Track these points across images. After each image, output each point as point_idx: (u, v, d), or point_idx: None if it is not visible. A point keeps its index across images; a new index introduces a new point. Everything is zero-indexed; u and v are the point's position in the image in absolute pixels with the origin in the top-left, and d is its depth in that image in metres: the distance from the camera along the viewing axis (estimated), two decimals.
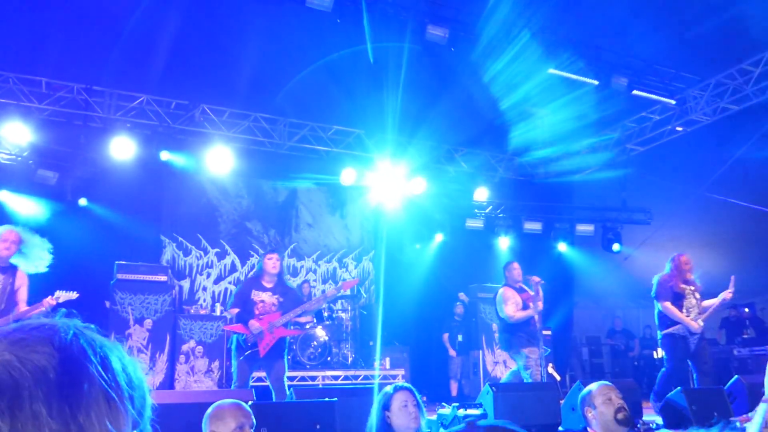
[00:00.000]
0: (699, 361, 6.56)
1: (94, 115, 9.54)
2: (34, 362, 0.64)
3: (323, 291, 9.62)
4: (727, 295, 6.57)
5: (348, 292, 9.44)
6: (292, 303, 5.92)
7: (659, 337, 6.74)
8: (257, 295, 5.83)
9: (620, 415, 3.33)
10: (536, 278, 7.02)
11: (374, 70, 10.12)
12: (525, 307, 7.02)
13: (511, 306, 6.99)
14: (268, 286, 5.92)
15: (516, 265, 7.30)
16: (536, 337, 6.97)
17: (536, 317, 6.97)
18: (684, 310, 6.51)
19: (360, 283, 11.68)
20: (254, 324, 5.66)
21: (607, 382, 3.59)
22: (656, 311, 6.74)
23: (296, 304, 5.95)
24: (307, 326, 9.14)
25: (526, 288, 7.19)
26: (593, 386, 3.51)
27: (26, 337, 0.67)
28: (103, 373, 0.68)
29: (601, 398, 3.40)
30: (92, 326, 0.73)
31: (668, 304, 6.53)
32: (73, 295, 5.44)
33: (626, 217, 11.74)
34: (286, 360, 5.93)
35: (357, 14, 7.60)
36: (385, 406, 3.52)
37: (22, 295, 5.36)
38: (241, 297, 5.87)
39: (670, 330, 6.53)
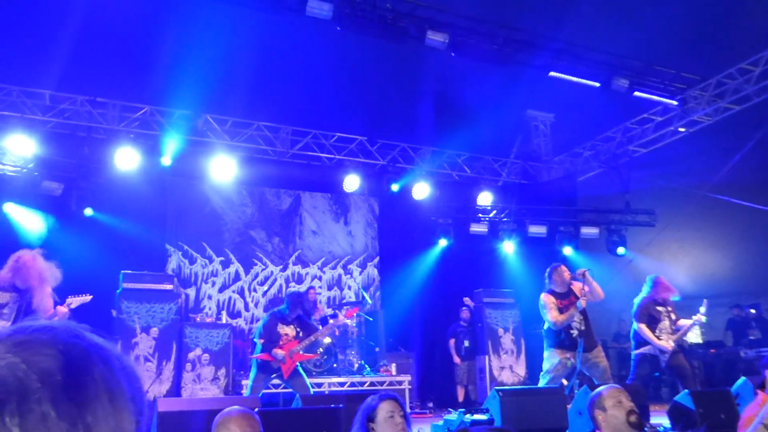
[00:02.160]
0: (677, 372, 7.14)
1: (98, 127, 9.60)
2: (40, 364, 0.64)
3: (334, 317, 9.69)
4: (700, 318, 7.15)
5: (352, 321, 9.81)
6: (306, 332, 6.92)
7: (632, 354, 7.34)
8: (282, 329, 6.78)
9: (632, 418, 3.30)
10: (581, 270, 6.87)
11: (375, 77, 10.17)
12: (559, 312, 6.85)
13: (553, 311, 6.86)
14: (290, 319, 6.88)
15: (561, 268, 7.05)
16: (570, 346, 6.77)
17: (577, 324, 6.77)
18: (657, 331, 7.06)
19: (365, 289, 11.69)
20: (278, 352, 6.61)
21: (616, 385, 3.56)
22: (632, 328, 7.33)
23: (310, 332, 6.96)
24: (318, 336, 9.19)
25: (573, 290, 6.99)
26: (603, 389, 3.48)
27: (29, 339, 0.67)
28: (106, 373, 0.69)
29: (611, 401, 3.36)
30: (87, 326, 0.74)
31: (644, 326, 7.08)
32: (87, 298, 5.40)
33: (630, 220, 11.71)
34: (302, 371, 6.88)
35: (357, 22, 7.63)
36: (369, 417, 3.25)
37: (43, 304, 5.30)
38: (268, 329, 6.76)
39: (642, 350, 7.17)
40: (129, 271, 8.49)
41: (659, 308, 7.16)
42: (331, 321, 9.35)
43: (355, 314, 8.62)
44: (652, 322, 7.10)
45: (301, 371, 6.87)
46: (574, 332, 6.77)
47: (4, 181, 8.76)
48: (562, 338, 6.83)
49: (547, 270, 7.06)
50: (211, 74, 9.58)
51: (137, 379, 0.74)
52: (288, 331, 6.79)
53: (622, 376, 11.95)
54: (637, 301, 7.30)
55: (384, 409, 3.25)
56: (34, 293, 5.24)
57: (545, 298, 6.96)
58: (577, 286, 6.93)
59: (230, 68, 9.35)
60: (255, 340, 6.96)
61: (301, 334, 6.85)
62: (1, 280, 5.12)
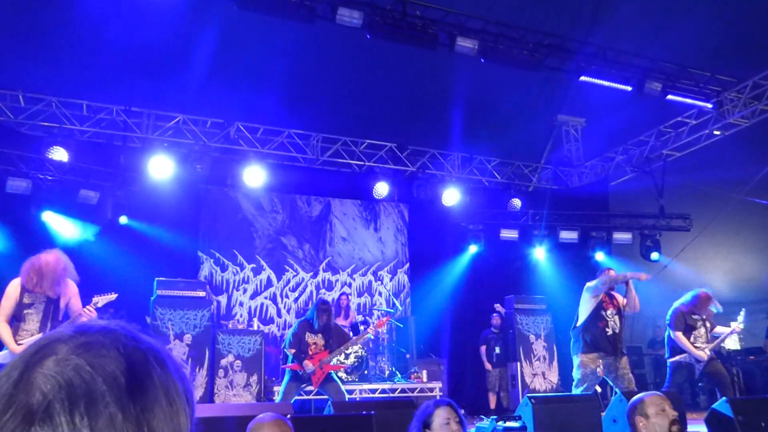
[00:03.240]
0: (714, 380, 7.09)
1: (133, 136, 9.79)
2: (104, 366, 0.66)
3: (365, 323, 9.70)
4: (737, 327, 7.18)
5: (383, 329, 9.84)
6: (337, 342, 6.97)
7: (668, 362, 7.24)
8: (310, 338, 6.84)
9: (675, 428, 3.23)
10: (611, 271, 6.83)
11: (405, 84, 10.18)
12: (599, 306, 6.84)
13: (592, 288, 6.86)
14: (319, 327, 6.90)
15: (610, 270, 7.03)
16: (602, 345, 6.72)
17: (613, 324, 6.77)
18: (692, 338, 6.99)
19: (395, 296, 11.68)
20: (308, 364, 6.69)
21: (659, 393, 3.48)
22: (667, 335, 7.24)
23: (341, 342, 7.02)
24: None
25: (615, 295, 6.99)
26: (645, 395, 3.40)
27: (92, 341, 0.69)
28: (163, 376, 0.71)
29: (654, 408, 3.29)
30: (138, 326, 0.76)
31: (680, 334, 7.01)
32: (112, 296, 5.43)
33: (665, 225, 11.52)
34: (337, 379, 7.02)
35: (386, 29, 7.66)
36: (425, 424, 3.23)
37: (75, 306, 5.41)
38: (297, 339, 6.85)
39: (677, 358, 7.09)
40: (163, 279, 8.61)
41: (695, 316, 7.08)
42: (362, 328, 9.39)
43: (386, 323, 8.66)
44: (688, 330, 7.02)
45: (335, 377, 6.94)
46: (609, 331, 6.77)
47: (44, 190, 8.97)
48: (592, 340, 6.77)
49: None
50: (242, 83, 9.72)
51: (188, 380, 0.76)
52: (317, 340, 6.84)
53: (657, 384, 11.74)
54: (672, 308, 7.20)
55: (440, 415, 3.23)
56: (61, 293, 5.32)
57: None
58: (616, 298, 6.94)
59: (261, 76, 9.46)
60: (285, 350, 7.02)
61: (331, 343, 6.89)
62: (27, 281, 5.21)
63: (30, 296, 5.20)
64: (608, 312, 6.85)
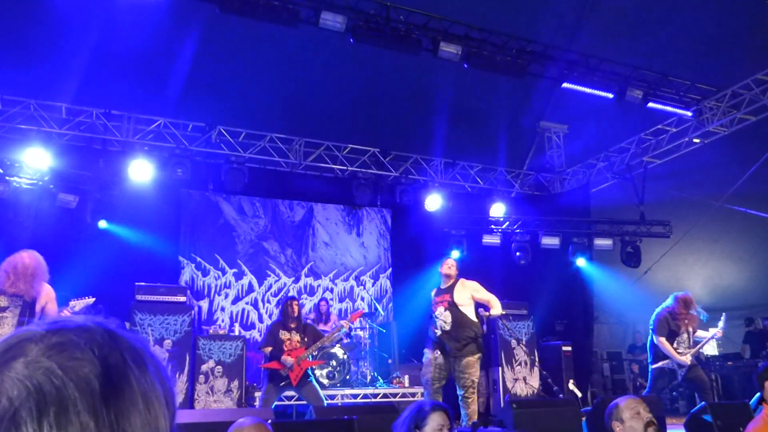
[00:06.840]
0: (694, 385, 7.19)
1: (113, 139, 9.69)
2: (77, 370, 0.63)
3: (333, 326, 9.67)
4: (718, 333, 7.24)
5: (357, 324, 9.92)
6: (312, 338, 6.99)
7: (650, 367, 7.26)
8: (284, 335, 6.86)
9: (650, 430, 3.26)
10: (485, 313, 6.93)
11: (388, 89, 10.20)
12: (430, 310, 7.07)
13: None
14: (292, 326, 6.96)
15: (444, 261, 7.18)
16: (433, 345, 6.89)
17: (441, 323, 6.79)
18: (675, 344, 7.02)
19: (377, 301, 11.65)
20: (286, 359, 6.69)
21: (634, 396, 3.52)
22: (649, 339, 7.28)
23: (315, 338, 7.02)
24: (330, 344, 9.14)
25: (457, 288, 7.03)
26: (619, 400, 3.45)
27: (64, 341, 0.65)
28: (141, 378, 0.67)
29: (629, 412, 3.32)
30: (117, 321, 0.73)
31: (663, 339, 7.03)
32: (89, 300, 5.36)
33: (645, 231, 11.63)
34: (314, 381, 6.99)
35: (370, 34, 7.67)
36: (417, 425, 3.16)
37: (51, 311, 5.32)
38: (272, 336, 6.87)
39: (660, 364, 7.10)
40: (142, 283, 8.51)
41: (678, 321, 7.12)
42: (341, 322, 9.37)
43: (359, 317, 8.69)
44: (672, 335, 7.06)
45: (313, 380, 6.92)
46: (438, 331, 6.80)
47: (22, 194, 8.83)
48: (429, 335, 6.95)
49: None
50: (224, 86, 9.67)
51: (169, 380, 0.73)
52: (291, 336, 6.86)
53: (636, 387, 11.83)
54: (655, 314, 7.24)
55: (434, 420, 3.14)
56: (37, 296, 5.23)
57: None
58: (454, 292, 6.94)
59: (243, 80, 9.42)
60: (261, 349, 7.02)
61: (306, 340, 6.91)
62: (4, 281, 5.12)
63: (5, 299, 5.11)
64: (437, 312, 6.88)
